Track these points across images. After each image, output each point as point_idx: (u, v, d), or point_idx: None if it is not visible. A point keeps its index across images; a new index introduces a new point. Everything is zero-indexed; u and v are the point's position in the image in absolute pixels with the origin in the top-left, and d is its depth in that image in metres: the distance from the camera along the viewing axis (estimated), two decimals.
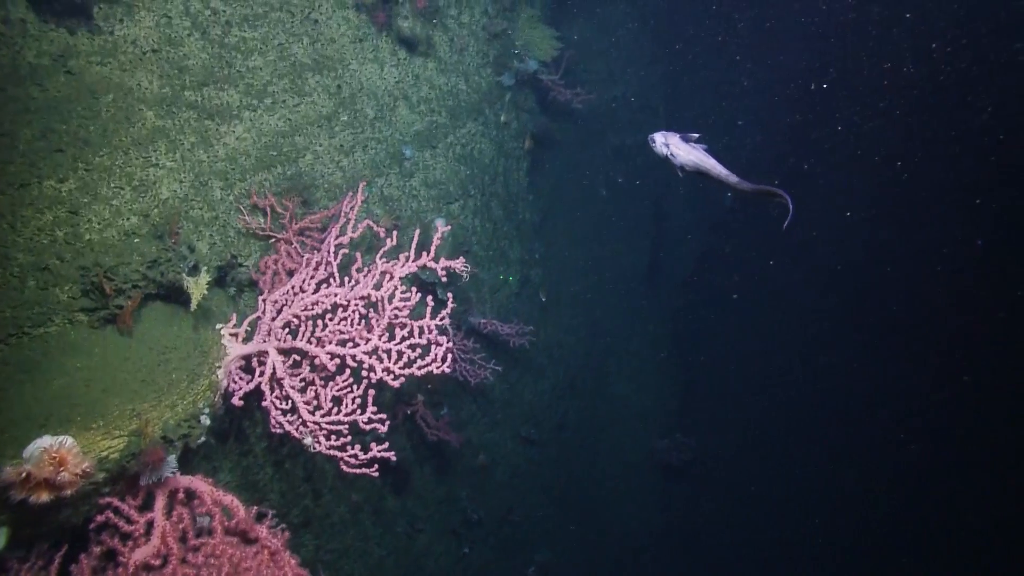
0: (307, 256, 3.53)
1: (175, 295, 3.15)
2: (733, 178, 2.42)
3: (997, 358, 9.06)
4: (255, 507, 3.63)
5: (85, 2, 2.61)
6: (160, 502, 2.93)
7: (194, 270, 3.17)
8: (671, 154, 2.47)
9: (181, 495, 3.00)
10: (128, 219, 3.01)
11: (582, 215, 8.04)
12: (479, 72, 4.78)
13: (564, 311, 7.55)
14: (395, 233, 3.27)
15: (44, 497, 2.40)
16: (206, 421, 3.19)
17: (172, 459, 2.90)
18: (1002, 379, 8.98)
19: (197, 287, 2.97)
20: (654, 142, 2.51)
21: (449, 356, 3.08)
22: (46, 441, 2.45)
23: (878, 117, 9.86)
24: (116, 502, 2.74)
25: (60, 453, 2.44)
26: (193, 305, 3.02)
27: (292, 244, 3.79)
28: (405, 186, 4.43)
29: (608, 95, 8.46)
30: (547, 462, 7.77)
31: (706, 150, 2.43)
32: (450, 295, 3.29)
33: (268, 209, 3.64)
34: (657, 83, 9.20)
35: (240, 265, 3.72)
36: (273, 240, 3.74)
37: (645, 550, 9.25)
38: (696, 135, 2.51)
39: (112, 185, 2.92)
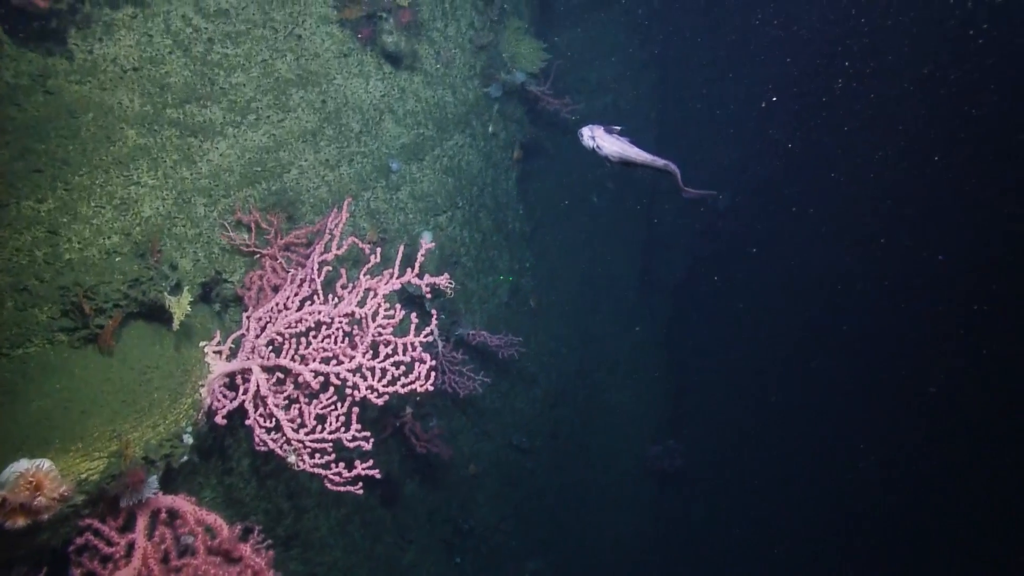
0: (292, 272, 3.52)
1: (157, 313, 3.14)
2: (660, 161, 2.53)
3: (983, 357, 9.14)
4: (240, 524, 3.61)
5: (59, 27, 2.60)
6: (141, 523, 2.91)
7: (176, 289, 3.15)
8: (597, 146, 2.57)
9: (163, 515, 2.98)
10: (109, 238, 2.99)
11: (573, 223, 8.04)
12: (466, 84, 4.78)
13: (555, 319, 7.55)
14: (379, 250, 3.26)
15: (20, 522, 2.38)
16: (189, 440, 3.17)
17: (153, 479, 2.88)
18: (990, 377, 9.06)
19: (179, 307, 2.96)
20: (582, 136, 2.59)
21: (432, 374, 3.07)
22: (23, 465, 2.43)
23: (867, 128, 9.96)
24: (96, 524, 2.72)
25: (37, 477, 2.42)
26: (175, 325, 3.00)
27: (277, 259, 3.77)
28: (392, 199, 4.43)
29: (599, 103, 8.47)
30: (539, 470, 7.76)
31: (631, 141, 2.51)
32: (434, 312, 3.29)
33: (253, 225, 3.63)
34: (648, 90, 9.22)
35: (225, 281, 3.71)
36: (258, 256, 3.73)
37: (639, 557, 9.24)
38: (619, 127, 2.63)
39: (92, 204, 2.90)
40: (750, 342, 10.80)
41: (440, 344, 5.12)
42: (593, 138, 2.57)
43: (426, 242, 4.63)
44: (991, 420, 9.06)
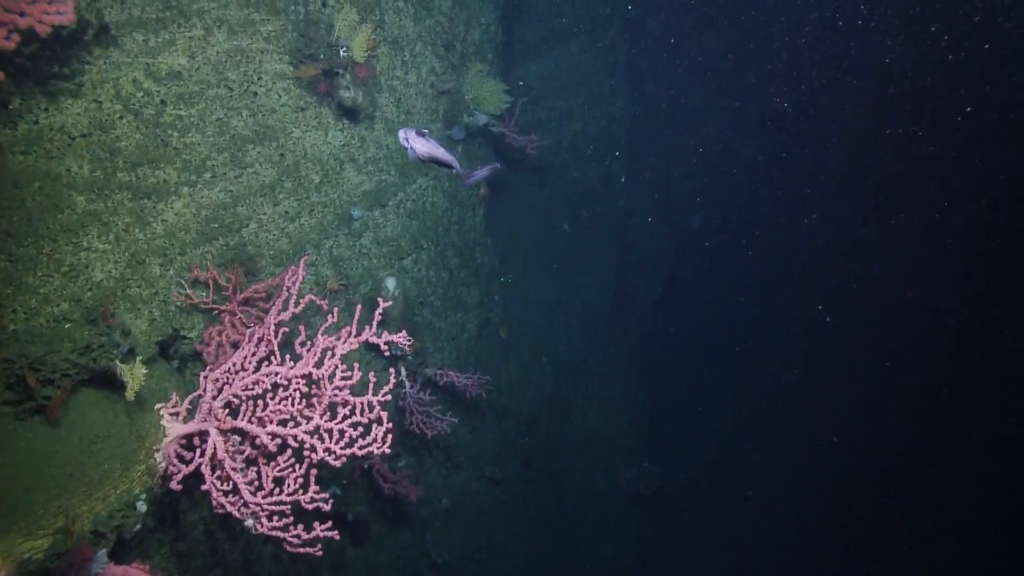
0: (250, 330, 3.50)
1: (109, 379, 3.09)
2: (448, 156, 3.05)
3: (968, 378, 9.35)
4: None
5: None
6: None
7: (129, 354, 3.11)
8: (411, 147, 3.00)
9: None
10: (58, 306, 2.95)
11: (543, 252, 8.10)
12: (429, 127, 4.82)
13: (526, 349, 7.58)
14: (336, 309, 3.26)
15: None
16: (142, 507, 3.12)
17: (102, 554, 2.83)
18: (977, 397, 9.26)
19: (132, 377, 2.92)
20: (399, 137, 3.04)
21: (389, 437, 3.07)
22: None
23: (842, 147, 10.21)
24: None
25: None
26: (129, 395, 2.96)
27: (236, 315, 3.75)
28: (355, 246, 4.43)
29: (568, 130, 8.57)
30: (514, 499, 7.75)
31: (439, 143, 3.00)
32: (392, 371, 3.29)
33: (210, 282, 3.60)
34: (617, 116, 9.34)
35: (184, 337, 3.67)
36: (217, 312, 3.70)
37: None
38: (427, 130, 3.25)
39: (39, 274, 2.86)
40: (726, 362, 10.92)
41: (408, 385, 5.11)
42: (407, 139, 2.99)
43: (390, 287, 4.64)
44: (978, 442, 9.26)
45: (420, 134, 2.96)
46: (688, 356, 10.92)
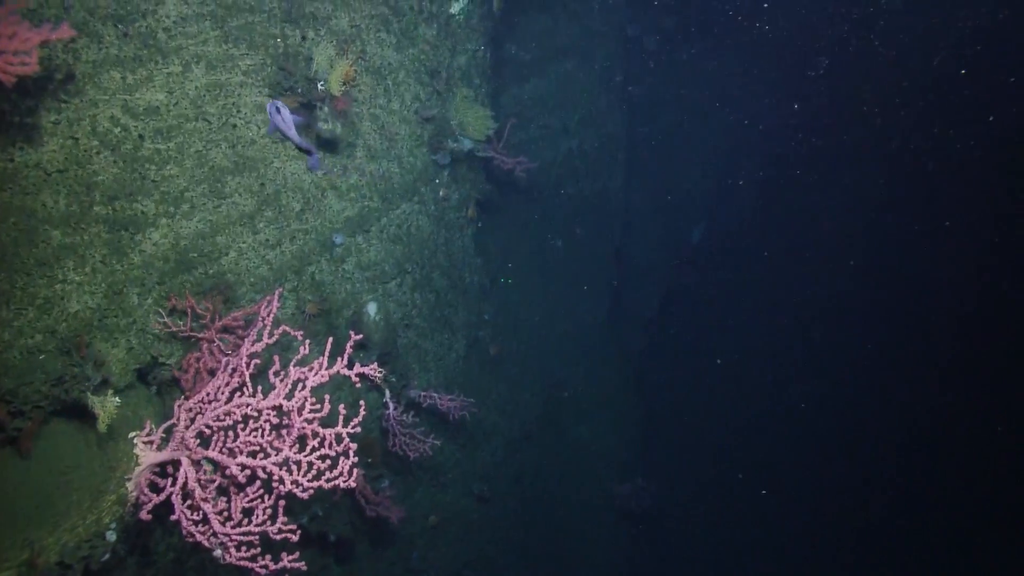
0: (225, 360, 3.54)
1: (82, 410, 3.14)
2: (298, 139, 3.25)
3: (959, 395, 9.26)
4: None
5: None
6: None
7: (102, 385, 3.16)
8: (273, 119, 3.19)
9: None
10: (32, 338, 3.00)
11: (536, 269, 8.12)
12: (413, 153, 4.86)
13: (517, 367, 7.59)
14: (308, 342, 3.29)
15: None
16: (112, 537, 3.17)
17: None
18: (970, 415, 9.17)
19: (104, 409, 2.96)
20: (268, 108, 3.23)
21: (355, 471, 3.10)
22: None
23: (839, 164, 10.18)
24: None
25: None
26: (101, 427, 3.00)
27: (215, 342, 3.79)
28: (338, 271, 4.47)
29: (563, 147, 8.59)
30: (504, 515, 7.75)
31: (292, 123, 3.19)
32: (362, 403, 3.31)
33: (188, 311, 3.65)
34: (614, 132, 9.36)
35: (162, 364, 3.72)
36: (195, 339, 3.75)
37: None
38: (297, 108, 3.53)
39: (12, 307, 2.91)
40: (722, 377, 10.87)
41: (391, 407, 5.14)
42: (272, 114, 3.18)
43: (371, 312, 4.68)
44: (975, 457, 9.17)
45: (279, 109, 3.17)
46: (684, 371, 10.89)
